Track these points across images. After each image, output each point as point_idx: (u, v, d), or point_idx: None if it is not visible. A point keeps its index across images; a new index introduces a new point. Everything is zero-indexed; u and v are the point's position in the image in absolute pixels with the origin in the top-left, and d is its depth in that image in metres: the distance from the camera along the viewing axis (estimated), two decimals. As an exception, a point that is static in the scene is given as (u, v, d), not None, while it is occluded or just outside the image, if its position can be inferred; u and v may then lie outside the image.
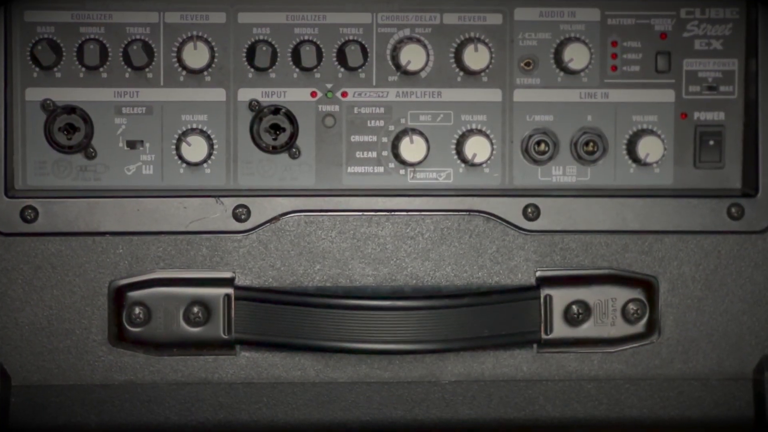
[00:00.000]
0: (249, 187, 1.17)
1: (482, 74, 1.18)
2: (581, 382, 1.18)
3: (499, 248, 1.17)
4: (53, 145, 1.16)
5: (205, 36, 1.16)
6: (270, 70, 1.17)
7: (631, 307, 1.17)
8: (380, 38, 1.18)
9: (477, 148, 1.17)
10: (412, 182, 1.19)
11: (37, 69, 1.16)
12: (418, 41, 1.17)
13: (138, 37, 1.16)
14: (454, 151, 1.19)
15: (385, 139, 1.18)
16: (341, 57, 1.17)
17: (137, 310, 1.15)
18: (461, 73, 1.18)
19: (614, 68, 1.19)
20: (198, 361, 1.16)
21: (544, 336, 1.16)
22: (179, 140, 1.16)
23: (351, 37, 1.17)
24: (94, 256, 1.14)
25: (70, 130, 1.15)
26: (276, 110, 1.16)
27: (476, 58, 1.16)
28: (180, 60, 1.16)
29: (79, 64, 1.16)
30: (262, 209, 1.15)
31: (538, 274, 1.17)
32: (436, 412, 1.18)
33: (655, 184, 1.20)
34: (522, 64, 1.19)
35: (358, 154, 1.18)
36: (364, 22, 1.17)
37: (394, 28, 1.17)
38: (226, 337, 1.15)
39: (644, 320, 1.18)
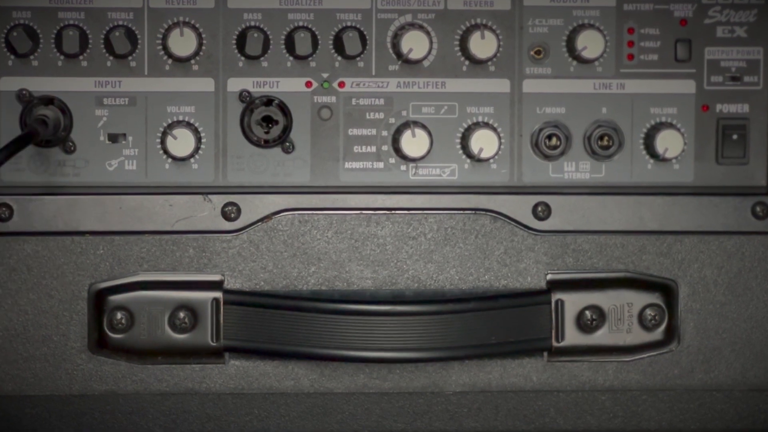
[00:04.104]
0: (239, 184, 1.16)
1: (489, 63, 1.17)
2: (595, 394, 1.17)
3: (507, 249, 1.15)
4: (29, 139, 1.15)
5: (193, 22, 1.15)
6: (262, 59, 1.16)
7: (649, 312, 1.16)
8: (380, 24, 1.16)
9: (483, 143, 1.15)
10: (414, 179, 1.17)
11: (13, 57, 1.14)
12: (421, 28, 1.16)
13: (120, 23, 1.15)
14: (459, 146, 1.17)
15: (385, 133, 1.17)
16: (338, 44, 1.16)
17: (119, 315, 1.14)
18: (467, 62, 1.17)
19: (631, 57, 1.18)
20: (184, 369, 1.14)
21: (555, 343, 1.15)
22: (164, 133, 1.15)
23: (349, 24, 1.16)
24: (73, 258, 1.13)
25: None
26: (268, 101, 1.15)
27: (483, 45, 1.15)
28: (165, 47, 1.14)
29: (58, 52, 1.15)
30: (253, 207, 1.14)
31: (548, 277, 1.16)
32: (439, 425, 1.17)
33: (674, 181, 1.18)
34: (532, 53, 1.17)
35: (356, 149, 1.17)
36: (362, 7, 1.16)
37: (395, 14, 1.16)
38: (214, 344, 1.14)
39: (662, 327, 1.17)
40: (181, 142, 1.14)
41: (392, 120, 1.16)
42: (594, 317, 1.15)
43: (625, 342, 1.16)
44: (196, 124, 1.15)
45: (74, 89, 1.14)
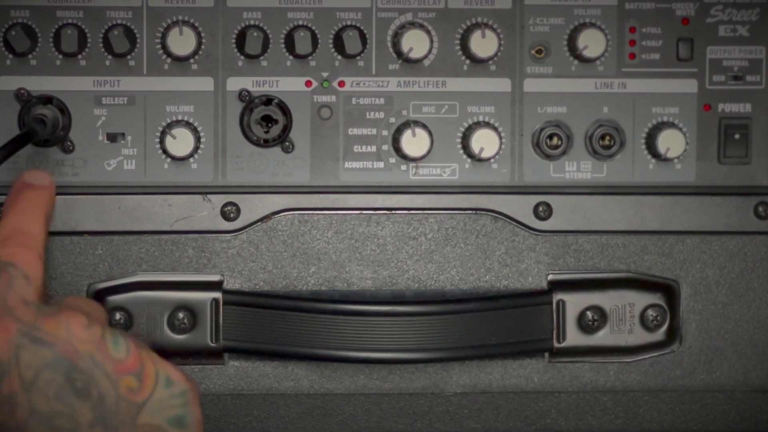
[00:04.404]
0: (239, 184, 1.16)
1: (490, 62, 1.17)
2: (596, 395, 1.17)
3: (508, 250, 1.15)
4: (28, 138, 1.14)
5: (192, 21, 1.15)
6: (261, 58, 1.15)
7: (651, 313, 1.16)
8: (380, 23, 1.16)
9: (484, 142, 1.15)
10: (415, 179, 1.17)
11: (11, 56, 1.14)
12: (421, 27, 1.15)
13: (119, 21, 1.15)
14: (459, 145, 1.17)
15: (385, 132, 1.16)
16: (338, 43, 1.15)
17: (118, 315, 1.13)
18: (467, 62, 1.17)
19: (632, 56, 1.17)
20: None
21: (556, 344, 1.15)
22: (163, 133, 1.14)
23: (349, 22, 1.16)
24: (72, 258, 1.13)
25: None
26: (268, 101, 1.15)
27: (483, 45, 1.15)
28: (164, 46, 1.14)
29: (56, 51, 1.14)
30: (252, 207, 1.13)
31: (550, 277, 1.15)
32: (439, 426, 1.17)
33: (676, 180, 1.18)
34: (533, 52, 1.17)
35: (357, 149, 1.16)
36: (362, 6, 1.16)
37: (396, 13, 1.16)
38: (213, 344, 1.13)
39: (664, 327, 1.16)
40: (181, 142, 1.13)
41: (392, 119, 1.16)
42: (595, 318, 1.14)
43: (626, 343, 1.15)
44: (196, 124, 1.15)
45: (73, 88, 1.14)
